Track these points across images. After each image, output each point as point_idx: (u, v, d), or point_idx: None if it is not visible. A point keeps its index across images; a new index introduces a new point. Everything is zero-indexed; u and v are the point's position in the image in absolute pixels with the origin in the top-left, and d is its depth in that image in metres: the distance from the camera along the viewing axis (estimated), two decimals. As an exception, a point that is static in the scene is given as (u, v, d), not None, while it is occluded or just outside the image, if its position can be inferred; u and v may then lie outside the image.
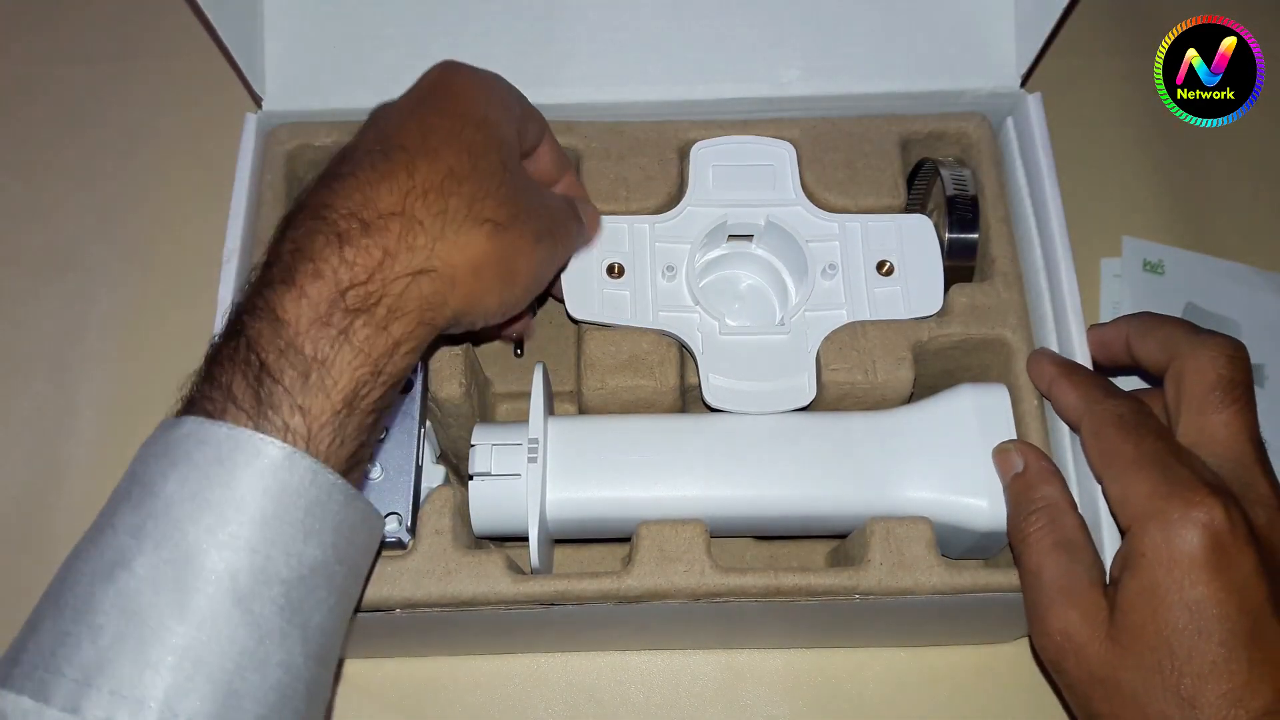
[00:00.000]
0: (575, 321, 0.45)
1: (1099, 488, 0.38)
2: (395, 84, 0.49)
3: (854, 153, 0.47)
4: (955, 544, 0.42)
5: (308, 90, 0.48)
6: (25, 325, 0.56)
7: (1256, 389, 0.54)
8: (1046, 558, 0.36)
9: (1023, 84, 0.48)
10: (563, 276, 0.44)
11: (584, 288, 0.44)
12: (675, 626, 0.45)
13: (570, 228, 0.41)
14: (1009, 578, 0.39)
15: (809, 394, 0.43)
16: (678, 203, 0.46)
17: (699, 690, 0.48)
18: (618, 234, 0.45)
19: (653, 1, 0.49)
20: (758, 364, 0.43)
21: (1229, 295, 0.56)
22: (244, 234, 0.46)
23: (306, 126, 0.48)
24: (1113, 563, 0.36)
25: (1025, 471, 0.39)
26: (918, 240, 0.45)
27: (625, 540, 0.42)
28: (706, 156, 0.47)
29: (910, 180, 0.48)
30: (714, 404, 0.42)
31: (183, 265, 0.56)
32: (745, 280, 0.48)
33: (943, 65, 0.49)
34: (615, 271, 0.44)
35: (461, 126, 0.36)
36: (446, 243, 0.33)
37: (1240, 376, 0.36)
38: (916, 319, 0.44)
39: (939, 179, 0.46)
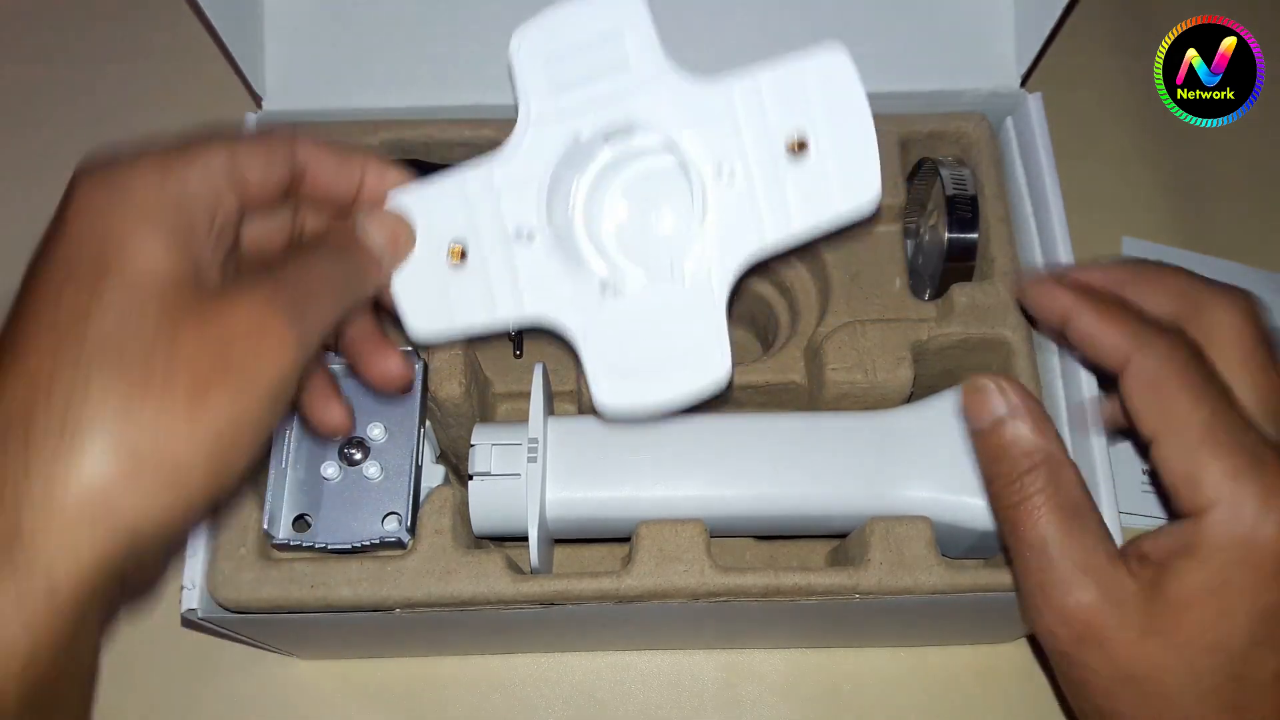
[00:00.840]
0: (419, 347, 0.38)
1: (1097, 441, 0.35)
2: (395, 84, 0.49)
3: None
4: (955, 544, 0.42)
5: (308, 90, 0.48)
6: (25, 325, 0.56)
7: (1256, 389, 0.54)
8: (1052, 527, 0.30)
9: (1023, 84, 0.48)
10: (394, 287, 0.34)
11: (423, 292, 0.34)
12: (675, 626, 0.45)
13: (322, 302, 0.30)
14: (1009, 577, 0.39)
15: (721, 368, 0.33)
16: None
17: (699, 690, 0.48)
18: (449, 201, 0.34)
19: (652, 2, 0.49)
20: (657, 337, 0.33)
21: (1229, 295, 0.56)
22: (244, 234, 0.46)
23: (306, 126, 0.48)
24: (1152, 540, 0.31)
25: (1011, 417, 0.32)
26: (834, 91, 0.33)
27: (625, 540, 0.42)
28: (533, 47, 0.33)
29: (910, 180, 0.48)
30: (609, 413, 0.34)
31: (183, 265, 0.56)
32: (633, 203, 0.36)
33: (943, 65, 0.49)
34: (457, 256, 0.33)
35: (58, 291, 0.27)
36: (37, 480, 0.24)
37: (1267, 330, 0.32)
38: (850, 217, 0.34)
39: (939, 179, 0.46)
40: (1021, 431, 0.31)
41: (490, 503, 0.40)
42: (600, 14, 0.33)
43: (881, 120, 0.48)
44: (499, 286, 0.33)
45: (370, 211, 0.33)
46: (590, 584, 0.39)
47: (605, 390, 0.34)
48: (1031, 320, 0.41)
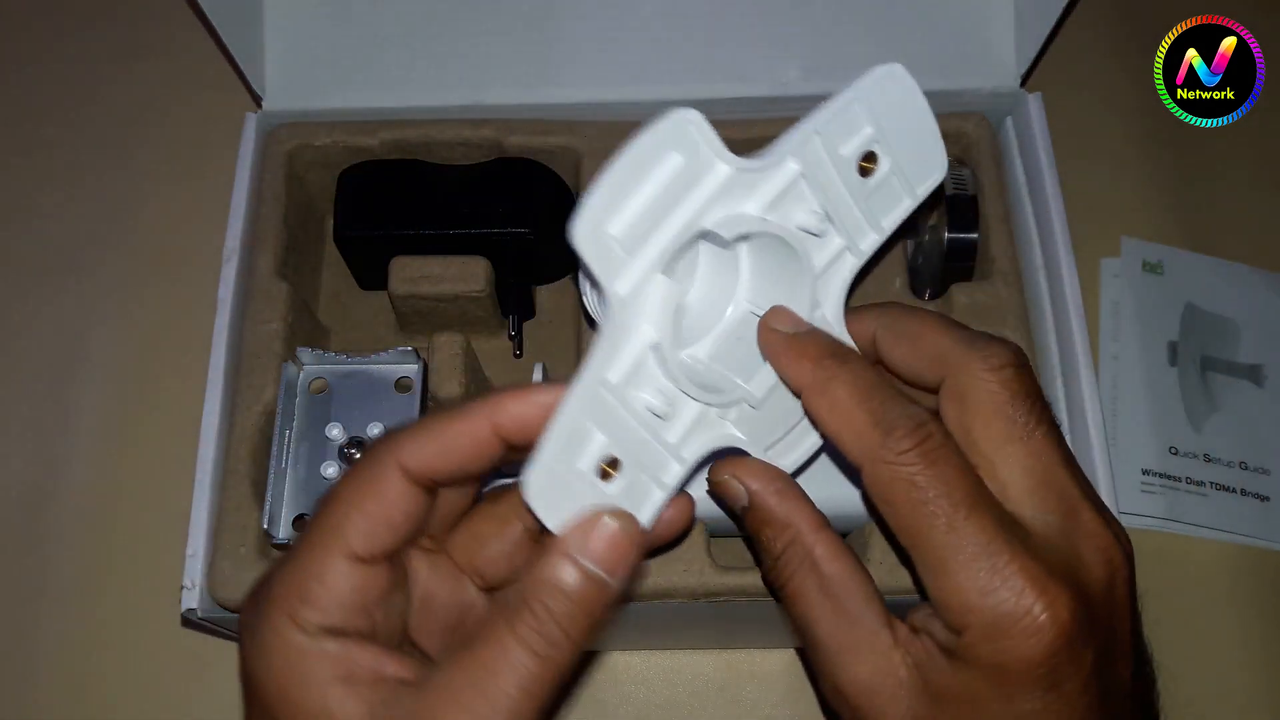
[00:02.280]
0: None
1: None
2: (395, 84, 0.49)
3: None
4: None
5: (308, 90, 0.48)
6: (25, 325, 0.56)
7: (1256, 389, 0.54)
8: (813, 609, 0.29)
9: (1023, 84, 0.48)
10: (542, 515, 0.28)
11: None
12: (675, 626, 0.45)
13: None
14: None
15: None
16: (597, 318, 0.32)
17: (699, 690, 0.48)
18: (580, 427, 0.28)
19: (653, 1, 0.49)
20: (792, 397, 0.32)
21: (1228, 295, 0.56)
22: (244, 234, 0.46)
23: (306, 126, 0.48)
24: (924, 618, 0.29)
25: (753, 505, 0.31)
26: (884, 93, 0.32)
27: (625, 540, 0.42)
28: (594, 225, 0.28)
29: (910, 180, 0.48)
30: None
31: (183, 265, 0.56)
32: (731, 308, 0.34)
33: (943, 65, 0.49)
34: (608, 471, 0.29)
35: None
36: None
37: (1034, 387, 0.29)
38: (916, 194, 0.33)
39: (939, 179, 0.46)
40: (764, 517, 0.30)
41: None
42: (655, 153, 0.28)
43: (881, 120, 0.48)
44: (656, 465, 0.30)
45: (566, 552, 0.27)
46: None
47: (789, 464, 0.33)
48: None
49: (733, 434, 0.32)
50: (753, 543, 0.32)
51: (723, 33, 0.49)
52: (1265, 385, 0.54)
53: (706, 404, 0.31)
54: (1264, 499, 0.51)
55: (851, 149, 0.31)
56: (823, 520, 0.30)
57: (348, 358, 0.43)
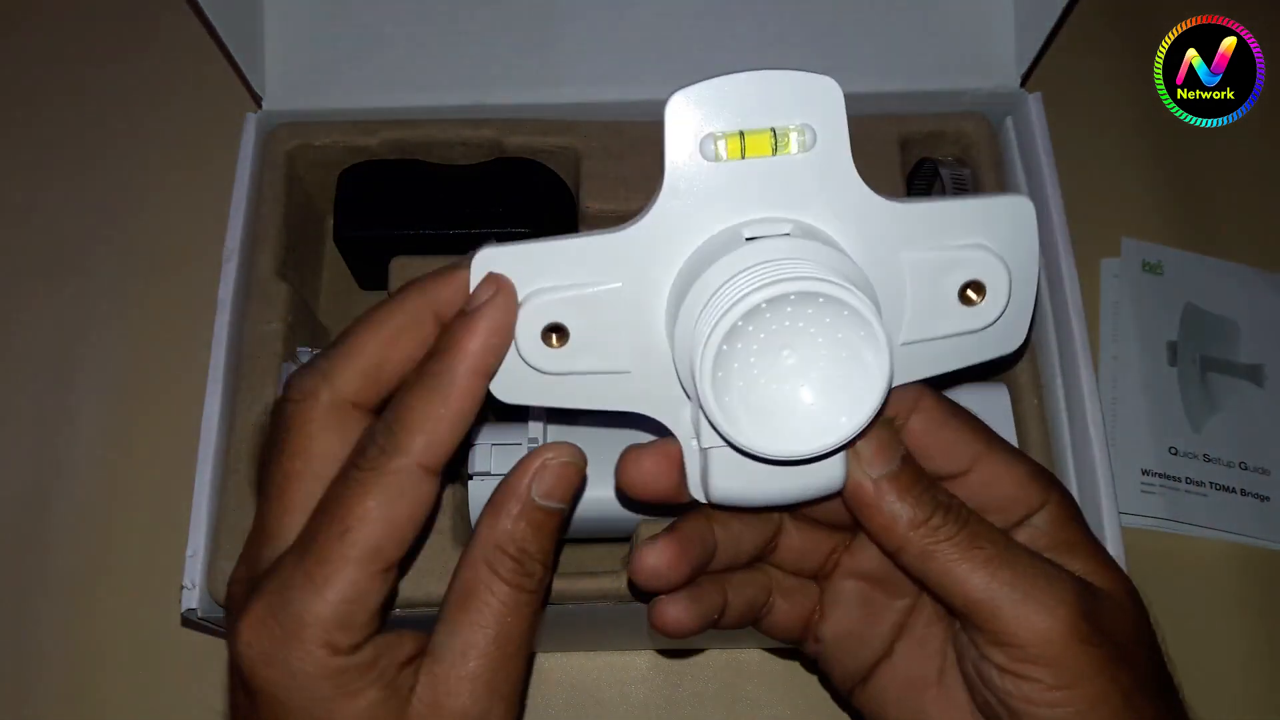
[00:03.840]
0: None
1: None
2: (395, 84, 0.49)
3: (854, 152, 0.47)
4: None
5: (308, 90, 0.48)
6: (25, 325, 0.56)
7: (1257, 389, 0.54)
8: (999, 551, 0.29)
9: (1023, 84, 0.48)
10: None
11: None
12: (675, 626, 0.45)
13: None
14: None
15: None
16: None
17: (699, 690, 0.48)
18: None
19: (653, 1, 0.49)
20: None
21: (1228, 296, 0.56)
22: (244, 234, 0.46)
23: (306, 126, 0.48)
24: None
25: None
26: (1016, 239, 0.28)
27: (625, 540, 0.42)
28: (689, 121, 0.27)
29: (910, 180, 0.48)
30: (719, 499, 0.30)
31: (183, 265, 0.56)
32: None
33: (943, 65, 0.49)
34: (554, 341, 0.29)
35: None
36: None
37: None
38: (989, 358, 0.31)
39: (939, 179, 0.46)
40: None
41: None
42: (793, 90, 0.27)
43: (882, 120, 0.48)
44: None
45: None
46: (590, 584, 0.39)
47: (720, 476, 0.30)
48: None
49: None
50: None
51: (723, 33, 0.49)
52: (1265, 385, 0.54)
53: None
54: (1264, 499, 0.51)
55: (966, 268, 0.28)
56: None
57: (348, 358, 0.43)
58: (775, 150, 0.27)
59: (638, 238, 0.28)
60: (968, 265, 0.28)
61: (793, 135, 0.27)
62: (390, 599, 0.27)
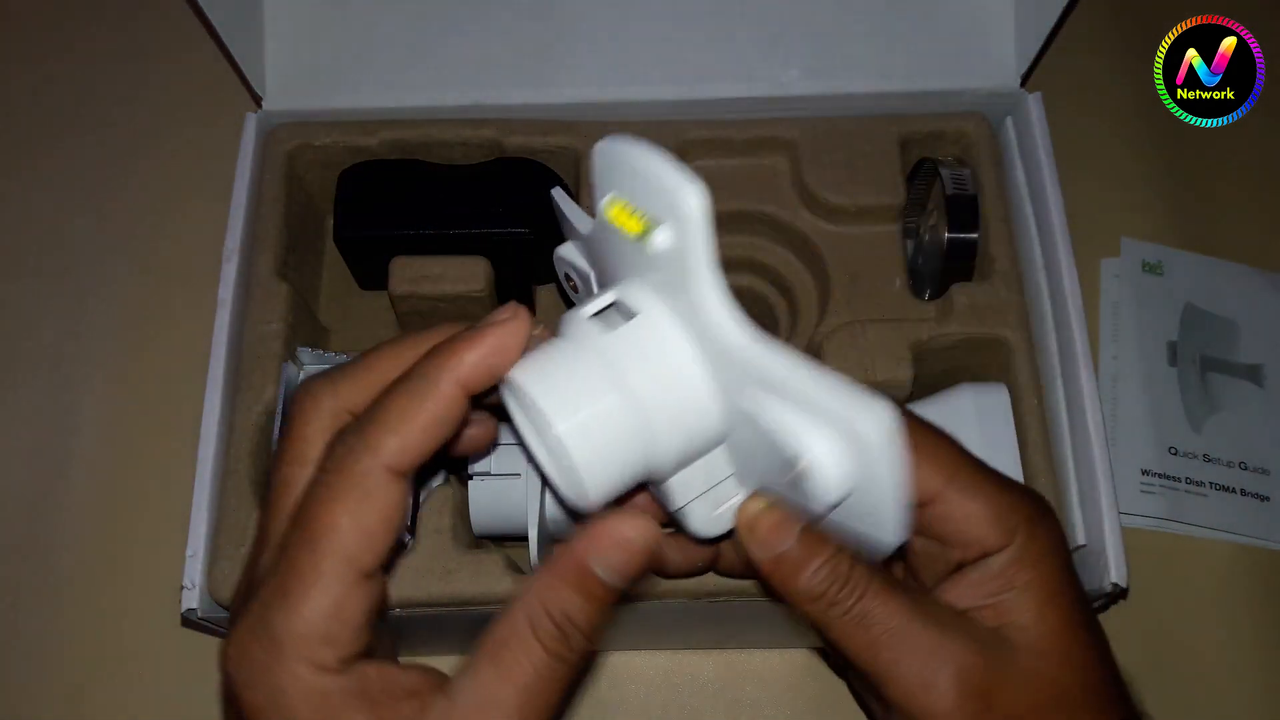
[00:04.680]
0: None
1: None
2: (395, 84, 0.49)
3: (854, 152, 0.47)
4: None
5: (308, 90, 0.48)
6: (25, 325, 0.56)
7: (1256, 389, 0.54)
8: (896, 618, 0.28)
9: (1023, 84, 0.48)
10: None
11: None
12: (675, 626, 0.45)
13: None
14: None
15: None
16: None
17: (699, 690, 0.48)
18: None
19: (653, 1, 0.49)
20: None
21: (1228, 295, 0.56)
22: (244, 234, 0.46)
23: (306, 126, 0.48)
24: None
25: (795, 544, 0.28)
26: (871, 458, 0.24)
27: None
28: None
29: (910, 180, 0.48)
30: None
31: (183, 265, 0.56)
32: None
33: (943, 65, 0.49)
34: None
35: None
36: None
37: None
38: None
39: (939, 179, 0.46)
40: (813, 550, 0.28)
41: (490, 502, 0.40)
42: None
43: (882, 120, 0.48)
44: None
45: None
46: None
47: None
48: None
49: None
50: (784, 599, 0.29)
51: (723, 33, 0.49)
52: (1265, 385, 0.54)
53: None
54: (1264, 499, 0.51)
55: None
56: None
57: (348, 358, 0.43)
58: (643, 238, 0.26)
59: (589, 241, 0.29)
60: (788, 450, 0.25)
61: (657, 230, 0.26)
62: (376, 608, 0.26)
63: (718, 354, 0.26)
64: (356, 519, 0.25)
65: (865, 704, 0.34)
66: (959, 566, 0.29)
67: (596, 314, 0.28)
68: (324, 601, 0.25)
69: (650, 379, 0.26)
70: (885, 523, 0.25)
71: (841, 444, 0.24)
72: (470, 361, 0.26)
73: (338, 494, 0.25)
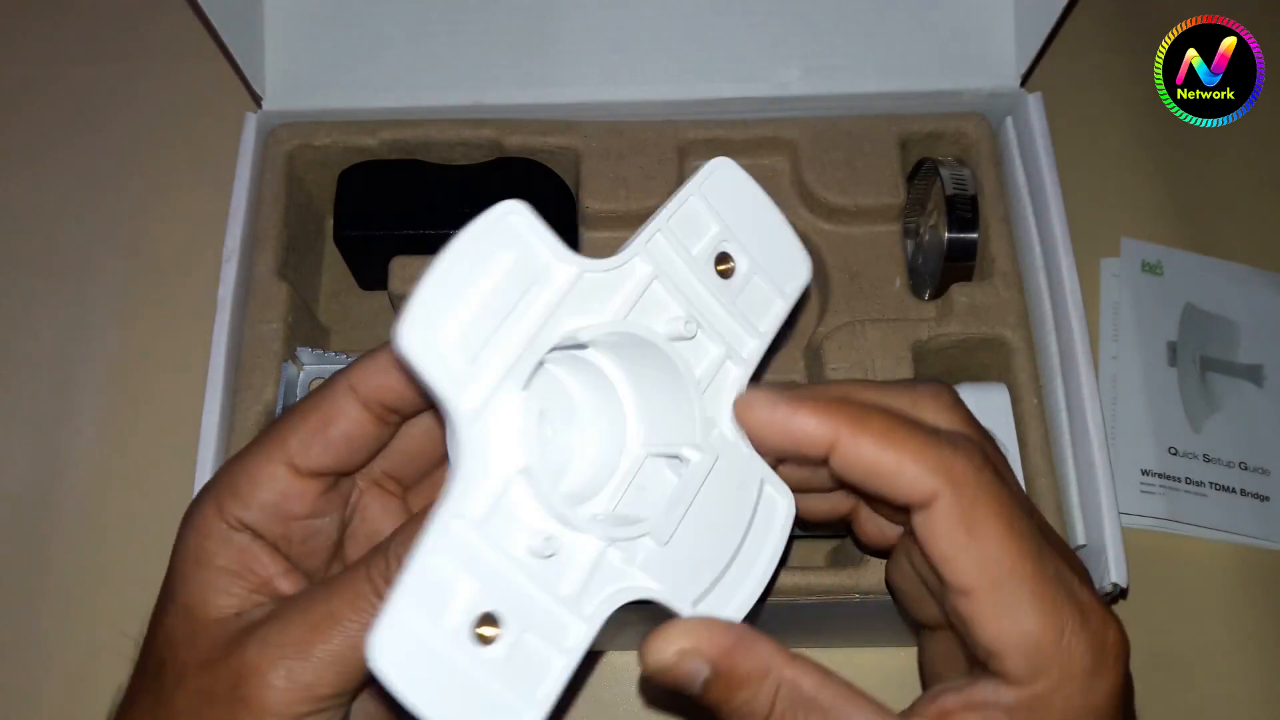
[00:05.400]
0: None
1: None
2: (395, 84, 0.49)
3: (854, 152, 0.47)
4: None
5: (308, 90, 0.48)
6: (25, 325, 0.56)
7: (1256, 389, 0.54)
8: None
9: (1022, 84, 0.48)
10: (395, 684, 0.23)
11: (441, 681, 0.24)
12: (675, 626, 0.45)
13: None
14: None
15: (788, 500, 0.30)
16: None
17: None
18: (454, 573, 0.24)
19: (653, 1, 0.49)
20: (717, 531, 0.29)
21: (1228, 295, 0.56)
22: (244, 234, 0.46)
23: (306, 126, 0.48)
24: (956, 695, 0.27)
25: (716, 673, 0.27)
26: (729, 193, 0.30)
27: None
28: (427, 337, 0.25)
29: (910, 180, 0.48)
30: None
31: (183, 265, 0.56)
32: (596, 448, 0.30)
33: (943, 65, 0.49)
34: (485, 634, 0.24)
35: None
36: None
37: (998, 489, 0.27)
38: (795, 298, 0.31)
39: (938, 179, 0.46)
40: (737, 679, 0.27)
41: None
42: (483, 253, 0.25)
43: (882, 120, 0.48)
44: (551, 629, 0.26)
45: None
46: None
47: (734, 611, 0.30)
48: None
49: (644, 584, 0.27)
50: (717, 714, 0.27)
51: (723, 33, 0.49)
52: (1265, 385, 0.54)
53: (601, 539, 0.26)
54: (1264, 499, 0.51)
55: (702, 248, 0.29)
56: (786, 649, 0.27)
57: (348, 358, 0.43)
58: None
59: None
60: (704, 241, 0.30)
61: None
62: (301, 513, 0.29)
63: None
64: (305, 415, 0.28)
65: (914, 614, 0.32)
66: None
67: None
68: (249, 464, 0.29)
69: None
70: (785, 251, 0.30)
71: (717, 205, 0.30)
72: (360, 371, 0.28)
73: (306, 397, 0.29)
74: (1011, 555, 0.26)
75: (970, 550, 0.26)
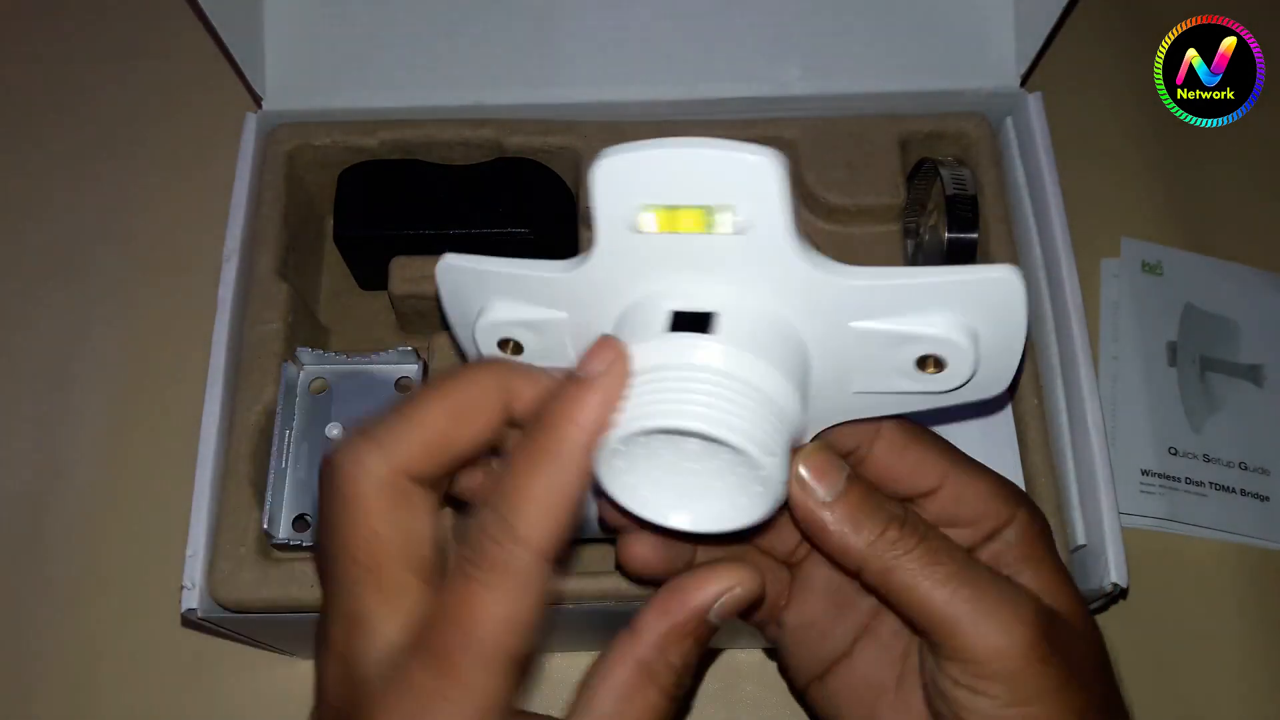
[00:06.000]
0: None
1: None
2: (395, 84, 0.49)
3: (854, 153, 0.47)
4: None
5: (308, 90, 0.48)
6: (26, 325, 0.56)
7: (1256, 389, 0.54)
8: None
9: (1023, 84, 0.48)
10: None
11: None
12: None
13: None
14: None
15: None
16: None
17: (699, 690, 0.48)
18: None
19: (653, 1, 0.49)
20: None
21: (1228, 295, 0.56)
22: (244, 234, 0.46)
23: (306, 126, 0.48)
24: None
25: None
26: (998, 310, 0.26)
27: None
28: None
29: (910, 180, 0.48)
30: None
31: (183, 265, 0.56)
32: None
33: (943, 65, 0.49)
34: None
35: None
36: None
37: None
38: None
39: (939, 179, 0.46)
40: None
41: None
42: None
43: (882, 120, 0.48)
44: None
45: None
46: (590, 584, 0.39)
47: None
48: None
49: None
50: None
51: (723, 33, 0.49)
52: (1265, 385, 0.54)
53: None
54: (1264, 499, 0.51)
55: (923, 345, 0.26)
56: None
57: (348, 358, 0.43)
58: (709, 228, 0.24)
59: (578, 282, 0.27)
60: (922, 342, 0.26)
61: (726, 215, 0.24)
62: (519, 690, 0.25)
63: (811, 311, 0.26)
64: (512, 612, 0.24)
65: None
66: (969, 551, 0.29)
67: (672, 328, 0.26)
68: (480, 698, 0.24)
69: (777, 376, 0.25)
70: (1002, 370, 0.27)
71: (967, 313, 0.25)
72: (588, 424, 0.24)
73: (493, 588, 0.24)
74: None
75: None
